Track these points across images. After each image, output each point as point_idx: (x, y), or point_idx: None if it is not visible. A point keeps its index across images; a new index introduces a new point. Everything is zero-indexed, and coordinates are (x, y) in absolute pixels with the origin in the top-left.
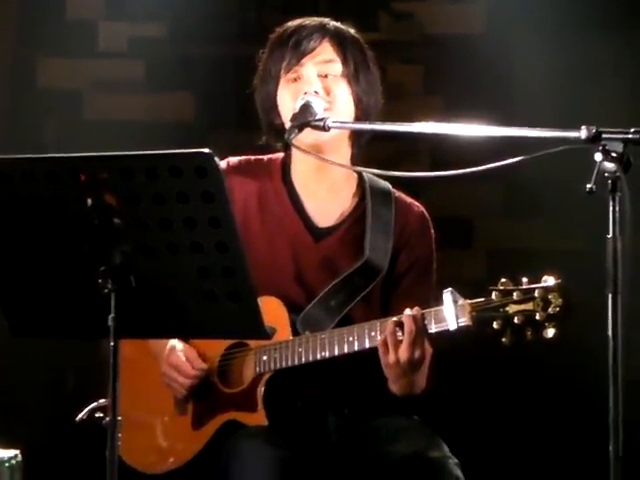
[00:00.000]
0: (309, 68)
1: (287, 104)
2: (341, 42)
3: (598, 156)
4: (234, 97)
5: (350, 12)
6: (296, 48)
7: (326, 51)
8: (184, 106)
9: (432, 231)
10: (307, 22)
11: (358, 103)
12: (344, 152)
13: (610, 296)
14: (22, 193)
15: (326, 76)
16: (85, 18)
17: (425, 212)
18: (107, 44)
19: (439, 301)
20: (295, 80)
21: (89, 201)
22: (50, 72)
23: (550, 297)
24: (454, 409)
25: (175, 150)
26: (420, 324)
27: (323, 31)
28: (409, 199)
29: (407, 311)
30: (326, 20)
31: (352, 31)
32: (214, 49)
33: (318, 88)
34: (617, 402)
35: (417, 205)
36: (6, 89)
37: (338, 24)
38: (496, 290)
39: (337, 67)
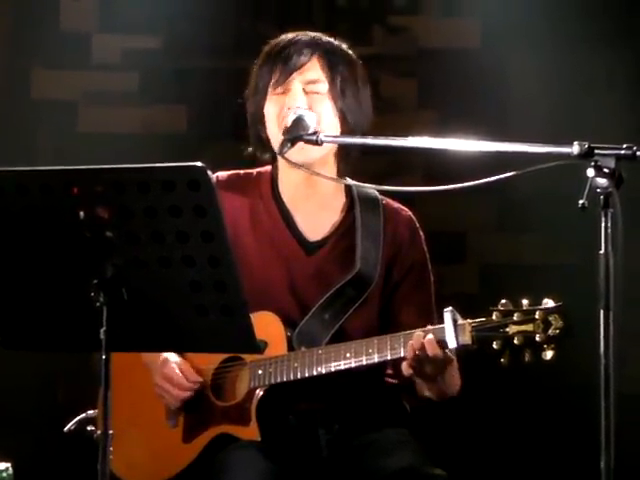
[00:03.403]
0: (296, 84)
1: (271, 116)
2: (330, 59)
3: (590, 172)
4: (228, 110)
5: (345, 25)
6: (285, 63)
7: (314, 69)
8: (178, 118)
9: (421, 233)
10: (299, 37)
11: (343, 120)
12: (330, 167)
13: (602, 312)
14: (15, 206)
15: (311, 93)
16: (79, 30)
17: (412, 216)
18: (101, 56)
19: (440, 308)
20: (281, 94)
21: (81, 214)
22: (44, 84)
23: (551, 319)
24: (445, 424)
25: (168, 164)
26: (432, 347)
27: (314, 47)
28: (396, 204)
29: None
30: (319, 35)
31: (344, 46)
32: (208, 61)
33: (302, 104)
34: (609, 417)
35: (404, 210)
36: (0, 100)
37: (331, 39)
38: (496, 311)
39: (323, 87)
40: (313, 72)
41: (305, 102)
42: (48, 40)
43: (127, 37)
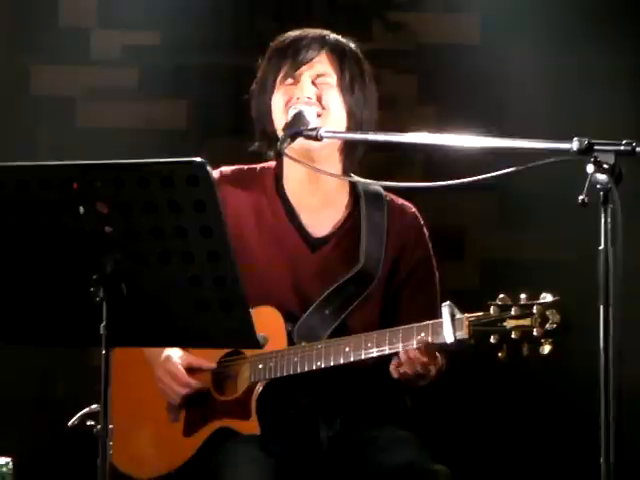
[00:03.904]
0: (305, 76)
1: (278, 107)
2: (339, 54)
3: (590, 168)
4: (228, 105)
5: (344, 21)
6: (294, 57)
7: (323, 63)
8: (178, 114)
9: (426, 230)
10: (306, 33)
11: (351, 115)
12: (335, 164)
13: (602, 308)
14: (15, 201)
15: (321, 84)
16: (79, 26)
17: (417, 212)
18: (101, 52)
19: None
20: (290, 85)
21: (81, 209)
22: (44, 79)
23: (548, 313)
24: (445, 419)
25: (167, 159)
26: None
27: (322, 42)
28: (400, 200)
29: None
30: (326, 32)
31: (352, 45)
32: (208, 57)
33: (311, 94)
34: (609, 412)
35: (409, 206)
36: (0, 96)
37: (338, 36)
38: (494, 305)
39: (332, 79)
40: (322, 66)
41: (314, 92)
42: (48, 36)
43: (126, 33)
